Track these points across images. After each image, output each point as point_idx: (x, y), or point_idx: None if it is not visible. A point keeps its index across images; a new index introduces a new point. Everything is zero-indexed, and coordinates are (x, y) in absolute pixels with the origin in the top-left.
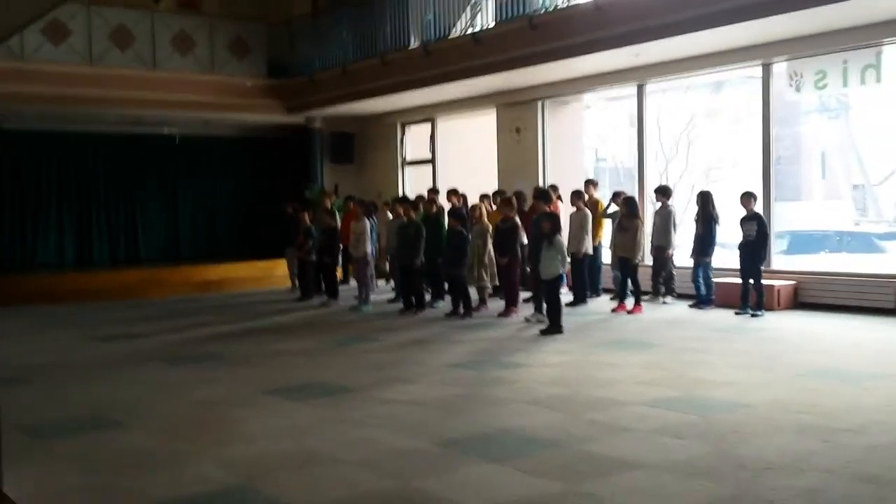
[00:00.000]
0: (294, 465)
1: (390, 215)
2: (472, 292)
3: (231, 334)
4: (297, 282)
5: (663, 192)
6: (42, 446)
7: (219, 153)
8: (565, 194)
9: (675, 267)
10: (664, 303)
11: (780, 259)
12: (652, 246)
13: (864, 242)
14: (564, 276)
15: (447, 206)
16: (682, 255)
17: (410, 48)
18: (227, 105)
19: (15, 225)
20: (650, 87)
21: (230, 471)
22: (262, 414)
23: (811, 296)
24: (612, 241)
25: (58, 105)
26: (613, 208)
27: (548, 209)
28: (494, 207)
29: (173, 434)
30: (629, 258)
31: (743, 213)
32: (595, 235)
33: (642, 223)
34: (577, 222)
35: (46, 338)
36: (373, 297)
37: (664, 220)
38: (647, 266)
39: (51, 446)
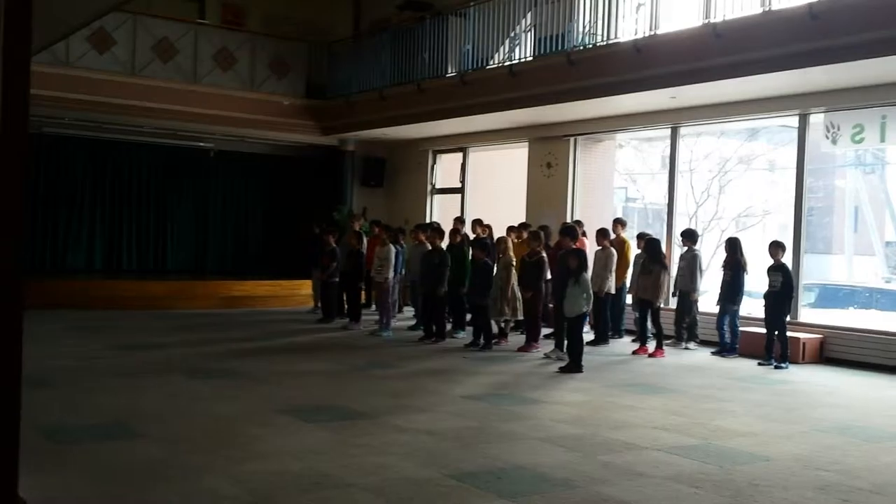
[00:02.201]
0: (305, 486)
1: (416, 241)
2: (494, 325)
3: (251, 351)
4: (319, 303)
5: (689, 237)
6: (60, 451)
7: (252, 170)
8: (591, 231)
9: (698, 312)
10: (687, 348)
11: (807, 312)
12: (676, 290)
13: (893, 300)
14: (588, 314)
15: (471, 236)
16: (708, 301)
17: (447, 77)
18: (264, 123)
19: (47, 228)
20: (684, 130)
21: (242, 488)
22: (277, 433)
23: (837, 351)
24: (633, 282)
25: (97, 112)
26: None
27: (574, 246)
28: (518, 240)
29: (189, 447)
30: (650, 301)
31: (770, 262)
32: (619, 276)
33: (665, 267)
34: (602, 261)
35: (72, 343)
36: (393, 323)
37: (689, 265)
38: (671, 310)
39: (68, 452)
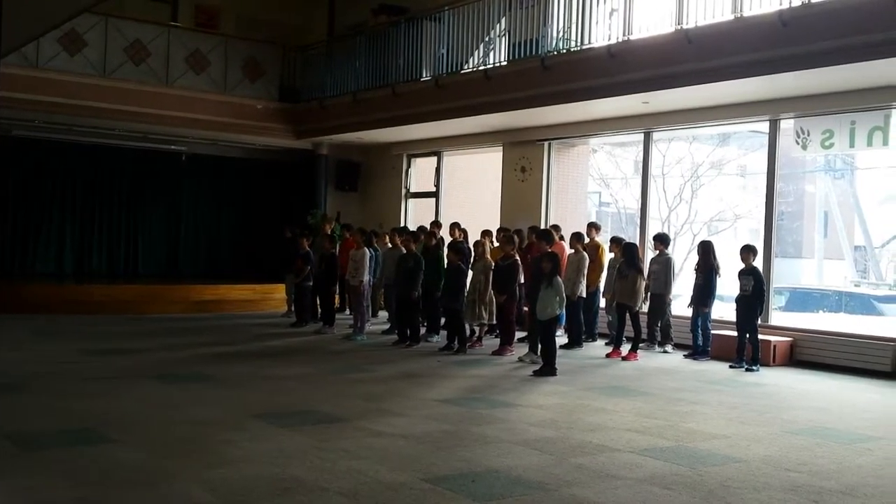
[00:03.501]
0: (279, 491)
1: (390, 245)
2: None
3: (224, 356)
4: (293, 307)
5: (661, 240)
6: (30, 457)
7: (224, 173)
8: (566, 235)
9: (671, 315)
10: (665, 351)
11: (777, 315)
12: (648, 293)
13: (863, 304)
14: (561, 317)
15: (447, 240)
16: (681, 304)
17: (422, 81)
18: (237, 126)
19: (17, 232)
20: (657, 135)
21: (215, 493)
22: (251, 438)
23: (807, 354)
24: (608, 285)
25: (68, 115)
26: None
27: (549, 249)
28: (496, 244)
29: (161, 452)
30: (629, 305)
31: (741, 266)
32: (593, 279)
33: (641, 271)
34: (575, 264)
35: (42, 348)
36: (368, 327)
37: (662, 268)
38: (644, 313)
39: (39, 457)
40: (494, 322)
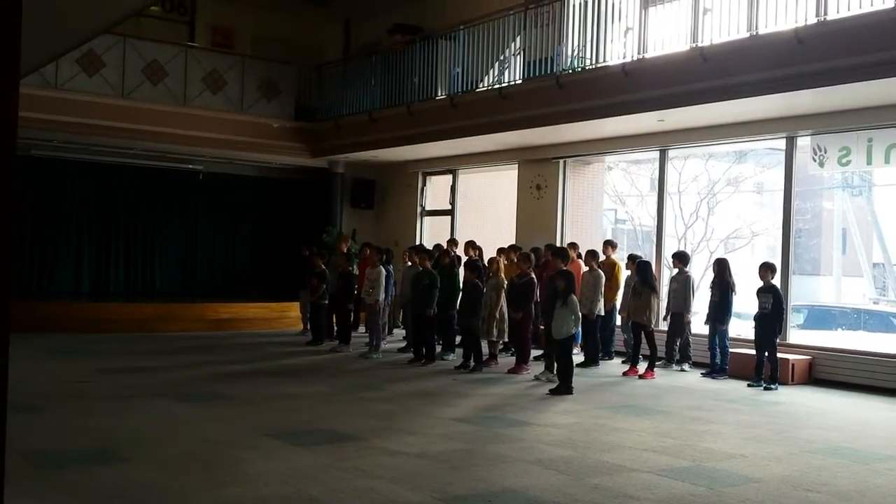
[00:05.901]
0: None
1: (409, 263)
2: (484, 346)
3: (240, 374)
4: (308, 325)
5: (681, 259)
6: (45, 476)
7: (241, 192)
8: (583, 253)
9: (691, 334)
10: (683, 370)
11: (796, 333)
12: (668, 312)
13: (882, 322)
14: (577, 335)
15: (463, 258)
16: (698, 322)
17: (437, 99)
18: (253, 145)
19: (35, 251)
20: (672, 153)
21: None
22: (265, 457)
23: (826, 372)
24: (623, 304)
25: (86, 135)
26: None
27: (565, 267)
28: (508, 262)
29: (175, 471)
30: (642, 323)
31: (760, 284)
32: (610, 297)
33: (655, 289)
34: (590, 282)
35: (58, 366)
36: (383, 345)
37: (681, 286)
38: (663, 331)
39: (53, 476)
40: (507, 340)
